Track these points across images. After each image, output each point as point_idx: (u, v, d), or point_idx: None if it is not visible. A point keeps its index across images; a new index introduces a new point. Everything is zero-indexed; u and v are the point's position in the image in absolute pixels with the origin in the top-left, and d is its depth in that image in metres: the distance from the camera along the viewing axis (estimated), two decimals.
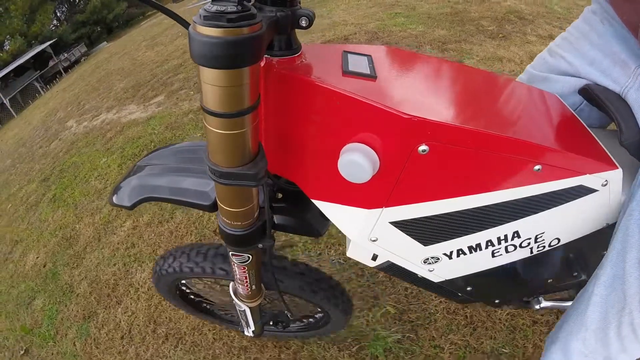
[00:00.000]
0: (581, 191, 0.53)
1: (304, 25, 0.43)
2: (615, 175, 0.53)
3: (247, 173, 0.45)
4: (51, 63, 18.46)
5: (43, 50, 18.05)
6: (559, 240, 0.60)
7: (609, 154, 0.54)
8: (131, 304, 1.61)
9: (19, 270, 2.24)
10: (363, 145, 0.45)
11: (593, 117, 0.66)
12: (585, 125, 0.59)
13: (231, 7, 0.34)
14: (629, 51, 0.57)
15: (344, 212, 0.53)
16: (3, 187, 3.83)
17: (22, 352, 1.69)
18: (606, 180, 0.53)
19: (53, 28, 21.74)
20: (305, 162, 0.52)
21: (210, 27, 0.34)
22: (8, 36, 18.74)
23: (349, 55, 0.51)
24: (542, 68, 0.72)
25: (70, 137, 3.98)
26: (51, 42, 18.62)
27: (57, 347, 1.61)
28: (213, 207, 0.60)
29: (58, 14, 22.93)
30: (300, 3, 0.44)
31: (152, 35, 8.58)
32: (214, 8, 0.34)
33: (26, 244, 2.46)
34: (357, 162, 0.44)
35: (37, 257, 2.25)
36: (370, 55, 0.53)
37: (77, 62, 17.54)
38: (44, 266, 2.13)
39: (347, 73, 0.47)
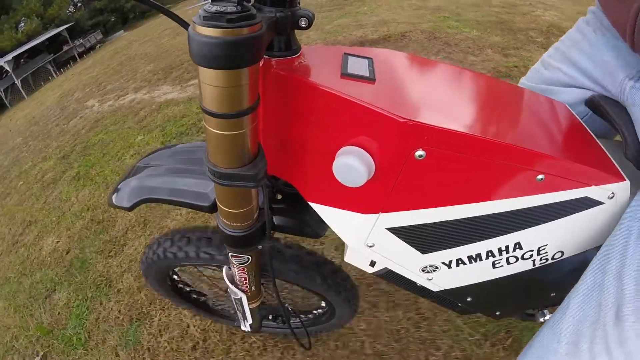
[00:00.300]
0: (586, 203, 0.52)
1: (303, 25, 0.43)
2: (622, 188, 0.51)
3: (246, 174, 0.45)
4: (65, 47, 18.53)
5: (58, 34, 18.12)
6: (562, 253, 0.59)
7: (616, 165, 0.52)
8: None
9: (33, 255, 1.96)
10: (358, 148, 0.44)
11: (600, 127, 0.64)
12: (592, 135, 0.58)
13: (231, 8, 0.34)
14: (619, 60, 0.56)
15: (341, 216, 0.53)
16: (13, 165, 3.67)
17: (38, 358, 1.36)
18: (613, 193, 0.51)
19: (69, 13, 21.91)
20: (302, 164, 0.52)
21: (209, 27, 0.34)
22: (24, 17, 18.80)
23: (349, 57, 0.51)
24: (538, 80, 0.71)
25: (93, 116, 3.87)
26: (69, 25, 18.69)
27: (91, 356, 1.29)
28: (212, 208, 0.60)
29: (75, 1, 23.11)
30: (300, 3, 0.44)
31: (174, 26, 8.56)
32: (214, 8, 0.34)
33: (42, 226, 2.19)
34: (351, 165, 0.43)
35: (58, 242, 1.97)
36: (371, 58, 0.52)
37: (92, 48, 17.61)
38: (67, 252, 1.85)
39: (345, 75, 0.46)
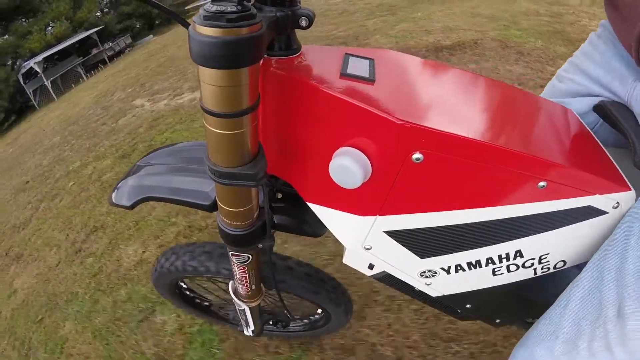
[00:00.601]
0: (590, 212, 0.50)
1: (303, 25, 0.43)
2: (628, 197, 0.50)
3: (246, 173, 0.45)
4: (94, 51, 18.71)
5: (88, 37, 18.30)
6: (564, 262, 0.57)
7: (622, 174, 0.51)
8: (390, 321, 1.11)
9: (109, 268, 1.67)
10: (355, 149, 0.44)
11: (611, 136, 0.63)
12: (599, 142, 0.56)
13: (231, 7, 0.34)
14: (628, 67, 0.57)
15: (338, 217, 0.53)
16: (56, 164, 3.54)
17: None
18: (617, 202, 0.50)
19: (97, 18, 22.17)
20: (300, 164, 0.52)
21: (209, 27, 0.34)
22: (51, 21, 19.04)
23: (350, 57, 0.51)
24: (553, 95, 0.72)
25: (148, 115, 3.73)
26: (99, 28, 18.89)
27: None
28: (213, 207, 0.61)
29: (101, 6, 23.59)
30: (300, 3, 0.44)
31: None
32: (214, 8, 0.34)
33: (114, 232, 1.94)
34: (347, 166, 0.43)
35: (144, 252, 1.71)
36: (372, 59, 0.52)
37: (121, 52, 17.83)
38: None
39: (344, 75, 0.46)
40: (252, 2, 0.38)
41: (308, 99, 0.44)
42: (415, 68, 0.57)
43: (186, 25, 0.39)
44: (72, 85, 13.28)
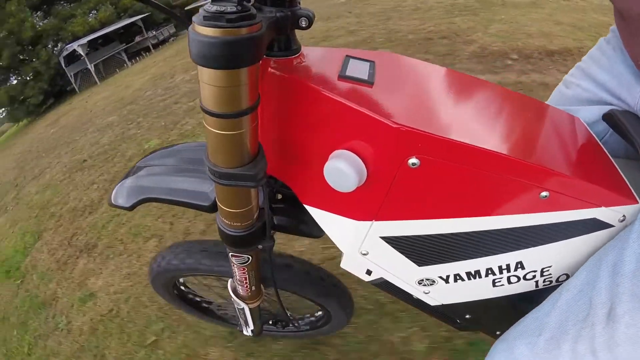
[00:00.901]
0: (595, 225, 0.49)
1: (303, 25, 0.43)
2: (635, 211, 0.48)
3: (246, 174, 0.45)
4: (138, 38, 18.56)
5: (132, 24, 18.17)
6: (567, 276, 0.56)
7: (630, 186, 0.49)
8: None
9: None
10: (350, 152, 0.44)
11: (620, 147, 0.61)
12: (606, 152, 0.55)
13: (231, 7, 0.35)
14: (635, 75, 0.55)
15: (334, 221, 0.52)
16: (122, 142, 3.36)
17: None
18: (624, 216, 0.48)
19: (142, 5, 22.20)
20: (297, 166, 0.51)
21: (209, 27, 0.34)
22: (98, 5, 18.79)
23: (350, 59, 0.50)
24: (559, 101, 0.70)
25: None
26: (145, 15, 18.64)
27: None
28: (212, 208, 0.61)
29: None
30: (300, 3, 0.44)
31: None
32: (214, 8, 0.35)
33: None
34: (341, 169, 0.43)
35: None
36: (373, 62, 0.51)
37: (165, 41, 17.70)
38: None
39: (342, 77, 0.46)
40: (252, 3, 0.38)
41: (305, 100, 0.44)
42: (417, 72, 0.56)
43: (186, 25, 0.40)
44: (116, 70, 13.06)
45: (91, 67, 14.24)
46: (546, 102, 0.72)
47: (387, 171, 0.44)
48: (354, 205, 0.49)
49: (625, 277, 0.44)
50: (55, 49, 17.00)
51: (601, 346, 0.47)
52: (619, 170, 0.52)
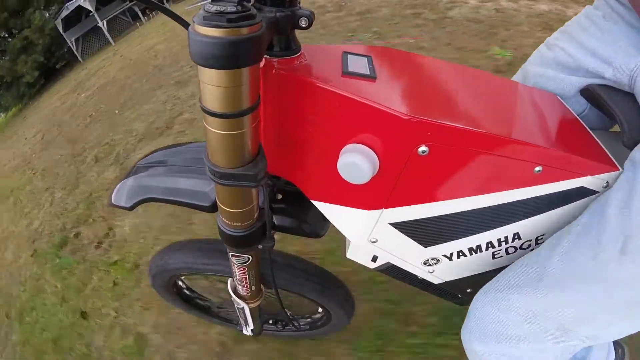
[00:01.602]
0: (582, 193, 0.53)
1: (303, 25, 0.43)
2: (616, 177, 0.52)
3: (247, 174, 0.45)
4: None
5: None
6: None
7: (610, 155, 0.54)
8: None
9: None
10: (362, 146, 0.45)
11: (595, 120, 0.65)
12: (585, 126, 0.59)
13: (231, 7, 0.34)
14: (634, 46, 0.54)
15: (344, 213, 0.53)
16: (181, 87, 3.08)
17: None
18: (607, 182, 0.52)
19: None
20: (304, 163, 0.52)
21: (209, 27, 0.34)
22: None
23: (348, 55, 0.51)
24: (539, 62, 0.68)
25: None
26: None
27: None
28: (213, 208, 0.60)
29: None
30: (300, 3, 0.44)
31: None
32: (214, 8, 0.34)
33: None
34: (356, 163, 0.43)
35: None
36: (370, 56, 0.52)
37: None
38: None
39: (346, 74, 0.47)
40: (252, 2, 0.38)
41: (313, 98, 0.45)
42: (410, 63, 0.58)
43: (186, 25, 0.39)
44: (122, 32, 10.56)
45: (103, 24, 10.83)
46: (524, 64, 0.73)
47: (398, 160, 0.45)
48: (364, 196, 0.51)
49: (637, 213, 0.44)
50: (49, 11, 12.15)
51: (615, 283, 0.46)
52: (599, 141, 0.56)
